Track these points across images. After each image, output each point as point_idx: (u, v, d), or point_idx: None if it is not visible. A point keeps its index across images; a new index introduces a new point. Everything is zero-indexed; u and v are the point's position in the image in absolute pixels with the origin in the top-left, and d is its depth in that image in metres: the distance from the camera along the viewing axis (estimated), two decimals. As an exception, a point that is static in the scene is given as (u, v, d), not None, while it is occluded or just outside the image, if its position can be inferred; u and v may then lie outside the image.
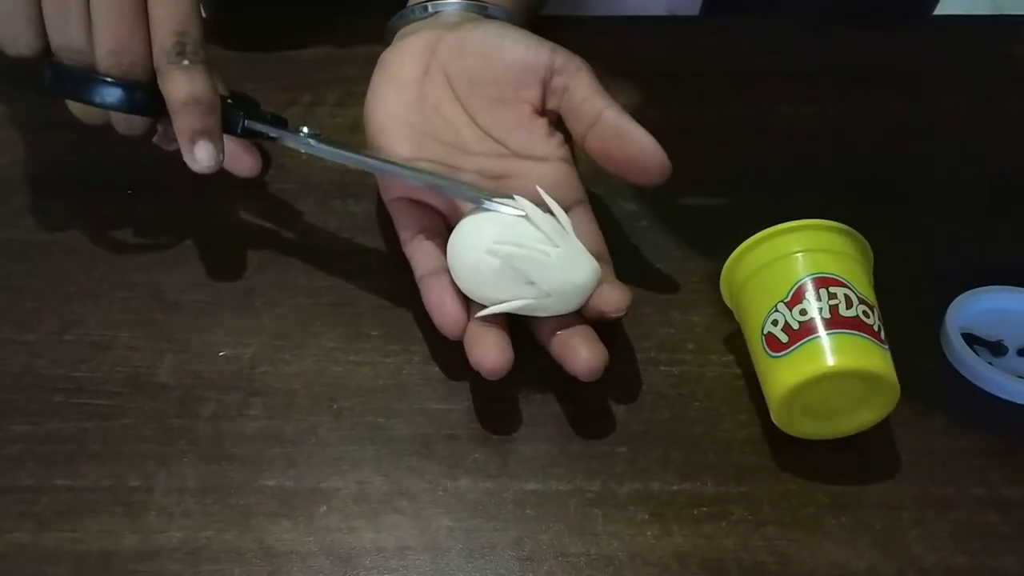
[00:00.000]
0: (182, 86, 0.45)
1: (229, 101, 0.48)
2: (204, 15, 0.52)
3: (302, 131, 0.48)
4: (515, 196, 0.45)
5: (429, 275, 0.46)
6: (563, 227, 0.45)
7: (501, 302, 0.44)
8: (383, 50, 0.51)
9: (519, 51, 0.47)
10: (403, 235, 0.48)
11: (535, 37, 0.48)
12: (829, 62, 0.63)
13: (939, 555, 0.41)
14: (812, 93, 0.60)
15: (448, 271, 0.45)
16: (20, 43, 0.46)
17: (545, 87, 0.47)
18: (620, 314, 0.44)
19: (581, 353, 0.43)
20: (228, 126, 0.47)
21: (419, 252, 0.47)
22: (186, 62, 0.45)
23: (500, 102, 0.48)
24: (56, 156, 0.56)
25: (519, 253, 0.43)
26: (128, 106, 0.46)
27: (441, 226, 0.47)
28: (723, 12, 0.69)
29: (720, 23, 0.67)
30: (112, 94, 0.46)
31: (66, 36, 0.45)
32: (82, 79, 0.46)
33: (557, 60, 0.47)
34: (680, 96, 0.60)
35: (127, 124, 0.48)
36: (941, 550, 0.41)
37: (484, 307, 0.45)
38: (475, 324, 0.44)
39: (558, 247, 0.44)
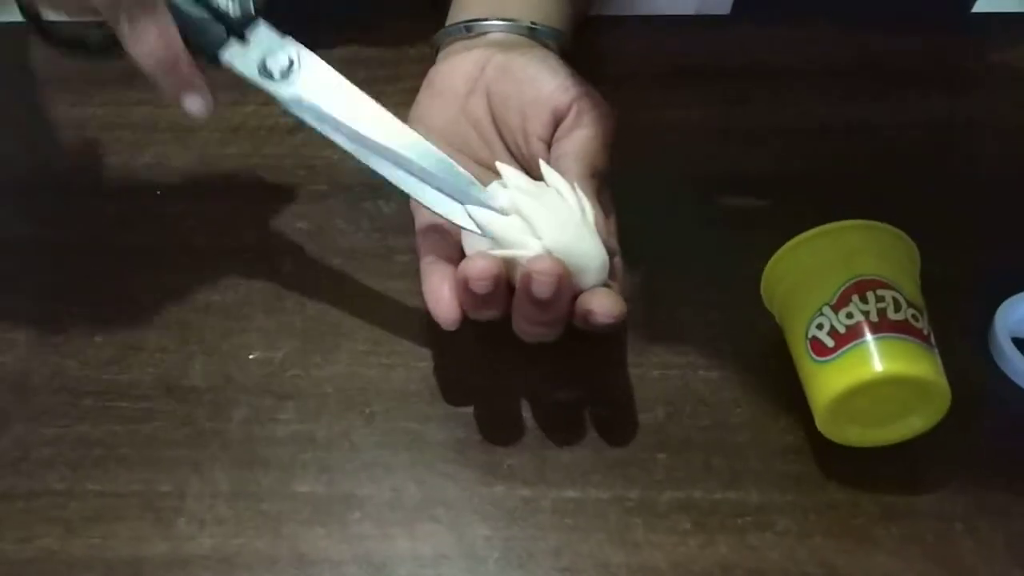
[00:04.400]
0: (136, 52, 0.41)
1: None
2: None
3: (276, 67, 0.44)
4: (547, 170, 0.44)
5: (432, 262, 0.44)
6: (586, 212, 0.43)
7: None
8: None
9: (549, 86, 0.46)
10: (418, 225, 0.47)
11: (574, 77, 0.47)
12: (865, 61, 0.61)
13: (995, 567, 0.40)
14: (849, 93, 0.59)
15: (451, 263, 0.43)
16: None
17: (555, 126, 0.46)
18: (609, 320, 0.41)
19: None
20: (203, 49, 0.43)
21: (428, 240, 0.45)
22: (122, 15, 0.41)
23: (522, 133, 0.47)
24: (87, 156, 0.55)
25: (533, 202, 0.42)
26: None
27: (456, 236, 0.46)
28: (754, 10, 0.68)
29: (753, 22, 0.65)
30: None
31: None
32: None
33: (575, 107, 0.46)
34: (714, 96, 0.59)
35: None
36: (997, 562, 0.40)
37: None
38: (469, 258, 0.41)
39: (578, 215, 0.42)
